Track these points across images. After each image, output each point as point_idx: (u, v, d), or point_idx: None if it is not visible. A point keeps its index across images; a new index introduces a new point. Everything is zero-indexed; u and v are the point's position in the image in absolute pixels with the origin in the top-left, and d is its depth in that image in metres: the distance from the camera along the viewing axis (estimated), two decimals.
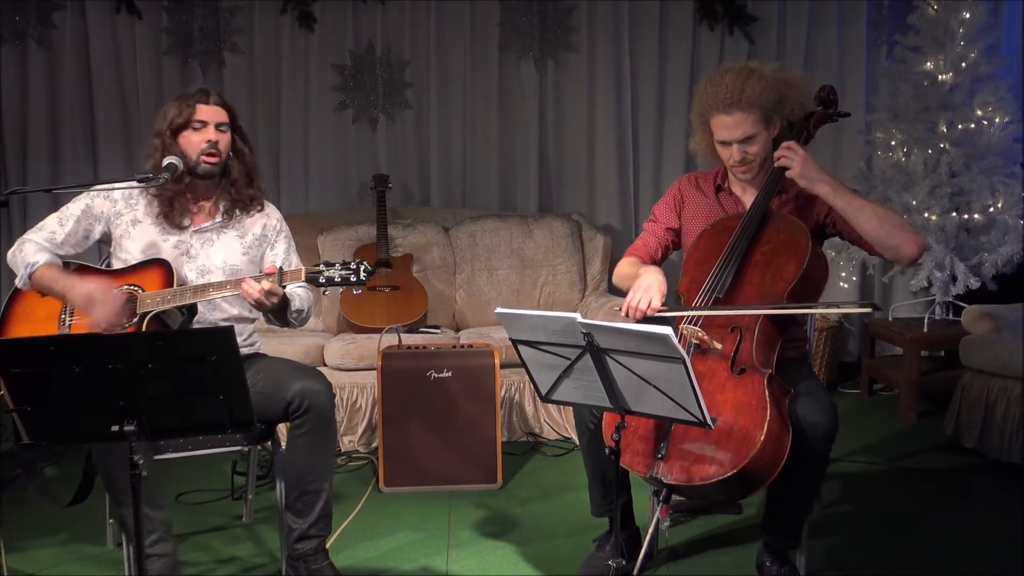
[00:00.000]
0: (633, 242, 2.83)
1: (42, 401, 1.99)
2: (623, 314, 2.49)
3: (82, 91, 4.82)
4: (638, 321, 2.43)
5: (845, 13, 5.02)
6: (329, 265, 2.45)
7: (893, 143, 4.60)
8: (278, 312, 2.58)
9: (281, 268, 2.48)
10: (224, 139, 2.65)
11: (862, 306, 2.43)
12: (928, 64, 4.49)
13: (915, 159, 4.49)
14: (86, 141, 4.85)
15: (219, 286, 2.51)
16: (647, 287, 2.48)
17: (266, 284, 2.44)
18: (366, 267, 2.45)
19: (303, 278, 2.46)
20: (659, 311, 2.44)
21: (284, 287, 2.48)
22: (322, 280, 2.44)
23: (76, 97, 4.81)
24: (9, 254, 2.63)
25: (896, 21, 4.88)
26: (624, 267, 2.73)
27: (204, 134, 2.61)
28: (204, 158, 2.61)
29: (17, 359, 1.95)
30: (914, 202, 4.47)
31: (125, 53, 4.82)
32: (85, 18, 4.77)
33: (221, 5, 4.82)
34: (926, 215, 4.46)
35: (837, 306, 2.59)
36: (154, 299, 2.50)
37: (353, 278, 2.44)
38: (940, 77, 4.47)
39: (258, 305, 2.47)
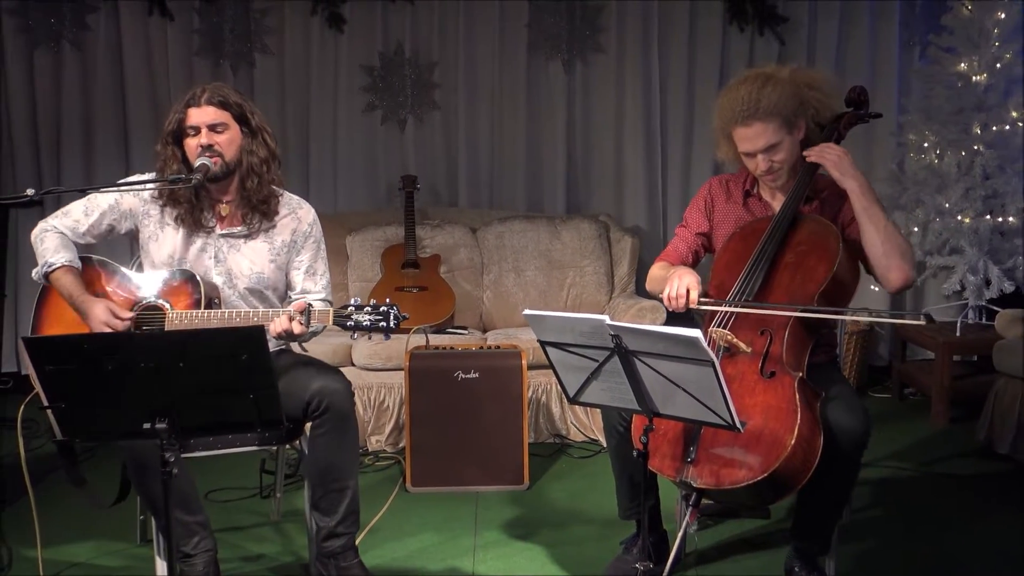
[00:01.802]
0: (664, 248, 2.81)
1: (76, 398, 2.01)
2: (666, 303, 2.50)
3: (115, 92, 4.88)
4: (673, 316, 2.44)
5: (877, 13, 4.97)
6: (359, 308, 2.41)
7: (926, 145, 4.55)
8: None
9: (310, 308, 2.46)
10: (222, 139, 2.58)
11: (914, 317, 2.35)
12: (962, 65, 4.44)
13: (948, 161, 4.44)
14: (118, 141, 4.91)
15: (246, 316, 2.51)
16: (681, 275, 2.50)
17: (296, 327, 2.43)
18: (396, 313, 2.41)
19: (331, 322, 2.44)
20: (700, 302, 2.45)
21: (310, 327, 2.48)
22: (350, 324, 2.41)
23: (109, 97, 4.87)
24: (33, 235, 2.64)
25: (929, 21, 4.83)
26: (656, 271, 2.72)
27: (198, 139, 2.57)
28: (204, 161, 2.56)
29: (52, 357, 1.97)
30: (947, 204, 4.42)
31: (157, 54, 4.87)
32: (118, 20, 4.82)
33: (252, 7, 4.86)
34: (959, 218, 4.40)
35: (885, 315, 2.48)
36: (182, 320, 2.51)
37: (383, 323, 2.40)
38: (974, 78, 4.41)
39: (277, 337, 2.48)
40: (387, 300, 2.45)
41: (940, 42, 4.55)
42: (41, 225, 2.65)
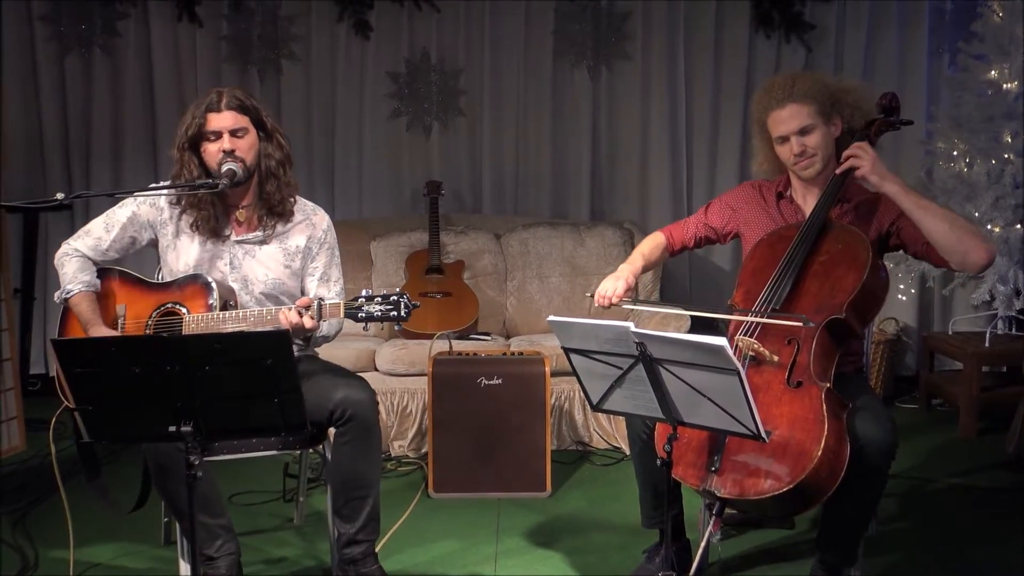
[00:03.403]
0: (682, 219, 2.93)
1: (103, 401, 2.03)
2: (596, 302, 2.64)
3: (144, 97, 4.93)
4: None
5: (905, 20, 4.92)
6: (370, 299, 2.42)
7: (955, 153, 4.49)
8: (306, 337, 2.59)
9: (320, 302, 2.47)
10: (243, 143, 2.58)
11: (796, 319, 2.33)
12: (992, 72, 4.38)
13: (978, 170, 4.39)
14: (147, 146, 4.96)
15: (260, 315, 2.51)
16: (619, 277, 2.65)
17: (307, 321, 2.44)
18: (407, 302, 2.41)
19: (342, 314, 2.45)
20: (622, 299, 2.61)
21: (323, 321, 2.48)
22: (362, 315, 2.41)
23: (138, 103, 4.93)
24: (55, 259, 2.67)
25: (959, 28, 4.78)
26: (643, 248, 2.85)
27: (219, 144, 2.56)
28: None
29: (80, 359, 1.99)
30: (977, 214, 4.37)
31: (186, 60, 4.92)
32: (148, 26, 4.88)
33: (280, 14, 4.89)
34: (989, 227, 4.35)
35: (771, 317, 2.39)
36: (197, 323, 2.53)
37: (394, 313, 2.40)
38: (1005, 86, 4.35)
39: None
40: (397, 290, 2.45)
41: (970, 49, 4.49)
42: (63, 248, 2.68)
